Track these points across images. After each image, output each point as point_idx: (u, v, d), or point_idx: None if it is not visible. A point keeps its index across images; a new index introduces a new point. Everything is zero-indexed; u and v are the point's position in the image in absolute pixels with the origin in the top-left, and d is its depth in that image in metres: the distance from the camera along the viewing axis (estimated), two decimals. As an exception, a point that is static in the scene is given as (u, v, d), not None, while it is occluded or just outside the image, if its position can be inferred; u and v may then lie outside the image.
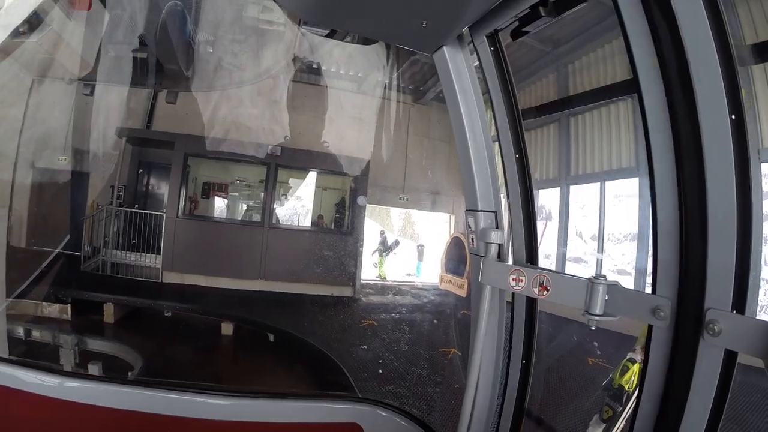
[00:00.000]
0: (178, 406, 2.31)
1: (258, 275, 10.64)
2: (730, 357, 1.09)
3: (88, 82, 9.99)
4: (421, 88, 14.32)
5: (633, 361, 3.42)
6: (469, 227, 1.88)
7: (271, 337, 7.96)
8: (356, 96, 12.62)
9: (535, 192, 1.97)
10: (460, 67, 1.79)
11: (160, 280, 9.97)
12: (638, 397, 1.28)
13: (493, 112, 1.82)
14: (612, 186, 11.61)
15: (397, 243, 14.96)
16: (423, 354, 7.86)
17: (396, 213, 17.30)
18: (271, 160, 11.13)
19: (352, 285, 11.31)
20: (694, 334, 1.12)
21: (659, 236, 1.22)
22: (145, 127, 11.23)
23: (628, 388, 3.29)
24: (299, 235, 11.79)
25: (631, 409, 2.88)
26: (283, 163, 11.48)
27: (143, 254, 10.16)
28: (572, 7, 1.49)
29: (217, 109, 11.10)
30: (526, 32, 1.64)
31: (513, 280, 1.38)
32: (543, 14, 1.46)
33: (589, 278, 1.29)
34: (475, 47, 1.79)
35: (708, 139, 1.09)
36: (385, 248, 14.64)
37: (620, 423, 3.19)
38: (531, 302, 1.77)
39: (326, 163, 11.74)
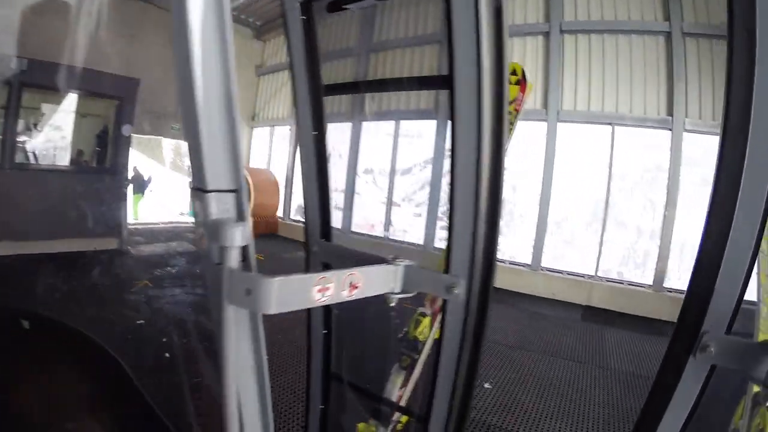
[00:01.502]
0: None
1: (-2, 234, 8.42)
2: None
3: None
4: None
5: (424, 315, 3.65)
6: (197, 216, 1.12)
7: (26, 324, 6.61)
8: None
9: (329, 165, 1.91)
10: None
11: None
12: (437, 352, 1.54)
13: (294, 85, 1.73)
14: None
15: (149, 180, 13.25)
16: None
17: (169, 145, 15.48)
18: (12, 77, 8.58)
19: (117, 235, 9.95)
20: (483, 307, 1.43)
21: (454, 227, 1.42)
22: None
23: (422, 339, 3.60)
24: (51, 177, 9.64)
25: (426, 355, 3.46)
26: (30, 81, 8.88)
27: None
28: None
29: None
30: (344, 8, 1.62)
31: (318, 291, 1.08)
32: None
33: (387, 261, 1.34)
34: (284, 12, 1.67)
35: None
36: (137, 186, 12.88)
37: (418, 368, 3.53)
38: None
39: (85, 83, 9.62)
